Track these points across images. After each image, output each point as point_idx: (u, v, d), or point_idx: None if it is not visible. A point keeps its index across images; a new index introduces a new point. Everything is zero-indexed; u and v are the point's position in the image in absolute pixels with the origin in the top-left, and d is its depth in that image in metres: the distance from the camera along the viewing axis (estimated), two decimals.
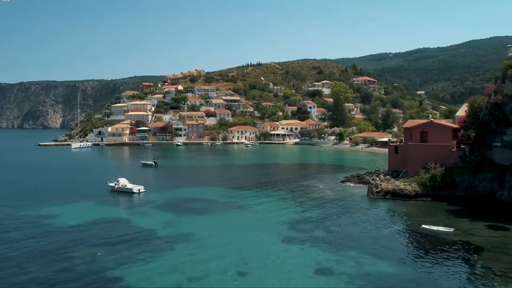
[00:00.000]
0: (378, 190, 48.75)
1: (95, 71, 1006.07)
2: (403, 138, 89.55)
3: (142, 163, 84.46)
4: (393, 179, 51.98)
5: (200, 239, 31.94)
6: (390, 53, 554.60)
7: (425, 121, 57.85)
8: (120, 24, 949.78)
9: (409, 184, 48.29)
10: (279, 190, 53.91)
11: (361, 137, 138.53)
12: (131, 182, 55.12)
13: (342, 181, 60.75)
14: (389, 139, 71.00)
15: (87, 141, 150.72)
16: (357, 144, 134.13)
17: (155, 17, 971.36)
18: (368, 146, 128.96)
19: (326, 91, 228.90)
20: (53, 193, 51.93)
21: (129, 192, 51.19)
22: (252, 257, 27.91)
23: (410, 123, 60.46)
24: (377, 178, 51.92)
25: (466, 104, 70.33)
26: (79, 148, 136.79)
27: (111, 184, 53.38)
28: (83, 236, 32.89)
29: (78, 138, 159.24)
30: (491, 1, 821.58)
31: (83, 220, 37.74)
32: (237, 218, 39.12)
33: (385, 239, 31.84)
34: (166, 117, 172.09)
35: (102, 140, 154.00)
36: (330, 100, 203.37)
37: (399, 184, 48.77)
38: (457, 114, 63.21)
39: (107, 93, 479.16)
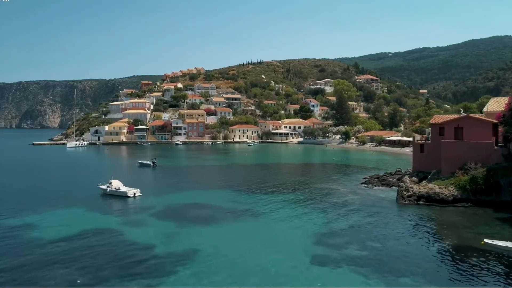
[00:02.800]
0: (409, 194, 42.00)
1: (94, 71, 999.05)
2: (419, 136, 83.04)
3: (139, 163, 77.49)
4: (424, 181, 45.23)
5: (208, 258, 25.13)
6: (389, 52, 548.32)
7: (457, 116, 51.26)
8: (119, 24, 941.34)
9: (446, 187, 41.56)
10: (294, 194, 47.14)
11: (368, 136, 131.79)
12: (126, 184, 48.37)
13: (362, 183, 54.02)
14: (413, 136, 64.26)
15: (83, 140, 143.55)
16: (364, 143, 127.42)
17: (155, 16, 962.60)
18: (376, 145, 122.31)
19: (329, 89, 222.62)
20: (35, 197, 45.00)
21: (123, 196, 44.31)
22: (277, 286, 21.11)
23: (438, 118, 53.73)
24: (407, 181, 45.11)
25: (495, 99, 64.13)
26: (75, 147, 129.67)
27: (103, 187, 46.50)
28: (61, 254, 25.95)
29: (74, 137, 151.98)
30: (490, 1, 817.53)
31: (64, 232, 30.84)
32: (250, 229, 32.29)
33: (441, 259, 25.06)
34: (165, 116, 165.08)
35: (98, 139, 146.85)
36: (333, 98, 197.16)
37: (434, 187, 42.02)
38: (488, 109, 56.47)
39: (106, 92, 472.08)
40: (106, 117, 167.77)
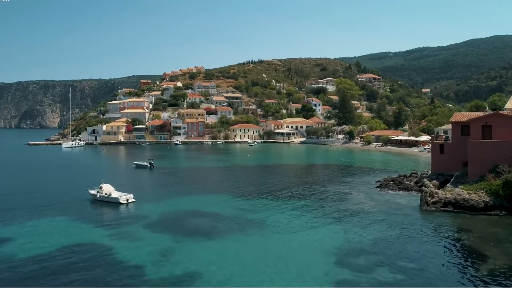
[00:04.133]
0: (434, 200, 37.27)
1: (94, 71, 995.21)
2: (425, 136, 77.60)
3: (135, 164, 72.69)
4: (449, 185, 40.45)
5: (210, 284, 20.36)
6: (389, 52, 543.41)
7: (482, 113, 46.59)
8: (119, 24, 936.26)
9: (475, 193, 36.82)
10: (303, 199, 42.38)
11: (373, 135, 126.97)
12: (120, 188, 43.78)
13: (377, 187, 49.25)
14: (432, 136, 59.48)
15: (80, 140, 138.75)
16: (369, 143, 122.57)
17: (155, 16, 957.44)
18: (382, 145, 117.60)
19: (331, 88, 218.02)
20: (17, 203, 40.08)
21: (115, 203, 39.54)
22: None
23: (460, 116, 48.98)
24: (430, 185, 40.37)
25: None
26: (71, 147, 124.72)
27: (92, 192, 41.74)
28: (34, 279, 21.20)
29: (70, 137, 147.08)
30: (491, 1, 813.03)
31: (42, 249, 26.07)
32: (259, 245, 27.50)
33: (496, 286, 20.30)
34: (165, 115, 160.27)
35: (96, 139, 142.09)
36: (335, 97, 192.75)
37: (462, 192, 37.27)
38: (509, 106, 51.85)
39: (106, 92, 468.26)
40: (104, 117, 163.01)
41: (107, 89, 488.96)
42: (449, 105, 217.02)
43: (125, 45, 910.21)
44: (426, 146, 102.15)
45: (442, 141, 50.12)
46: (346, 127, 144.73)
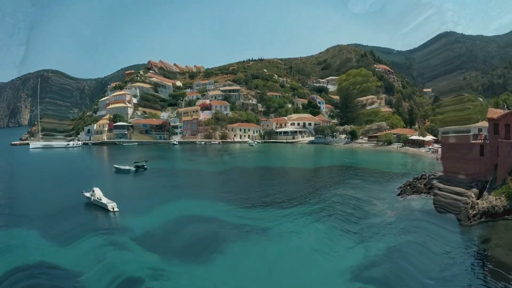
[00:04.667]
0: (475, 212, 36.34)
1: (94, 71, 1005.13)
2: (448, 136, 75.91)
3: (115, 167, 71.23)
4: (486, 193, 39.49)
5: None
6: (393, 50, 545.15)
7: (506, 111, 45.77)
8: (117, 21, 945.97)
9: (499, 198, 36.33)
10: (316, 207, 41.18)
11: (394, 134, 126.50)
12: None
13: (399, 194, 48.20)
14: (472, 134, 57.90)
15: (78, 140, 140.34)
16: (390, 143, 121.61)
17: (154, 13, 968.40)
18: (402, 146, 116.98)
19: (332, 88, 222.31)
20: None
21: (104, 209, 39.61)
22: None
23: (493, 113, 47.59)
24: (472, 194, 39.49)
25: None
26: (42, 148, 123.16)
27: (87, 194, 42.79)
28: None
29: (40, 136, 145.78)
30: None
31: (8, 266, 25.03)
32: (264, 263, 26.37)
33: None
34: (164, 115, 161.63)
35: (90, 139, 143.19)
36: (336, 97, 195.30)
37: (492, 199, 36.77)
38: None
39: (99, 90, 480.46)
40: (96, 115, 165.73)
41: (101, 86, 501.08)
42: (480, 99, 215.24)
43: (125, 45, 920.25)
44: (430, 146, 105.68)
45: (482, 141, 48.33)
46: (347, 127, 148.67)
